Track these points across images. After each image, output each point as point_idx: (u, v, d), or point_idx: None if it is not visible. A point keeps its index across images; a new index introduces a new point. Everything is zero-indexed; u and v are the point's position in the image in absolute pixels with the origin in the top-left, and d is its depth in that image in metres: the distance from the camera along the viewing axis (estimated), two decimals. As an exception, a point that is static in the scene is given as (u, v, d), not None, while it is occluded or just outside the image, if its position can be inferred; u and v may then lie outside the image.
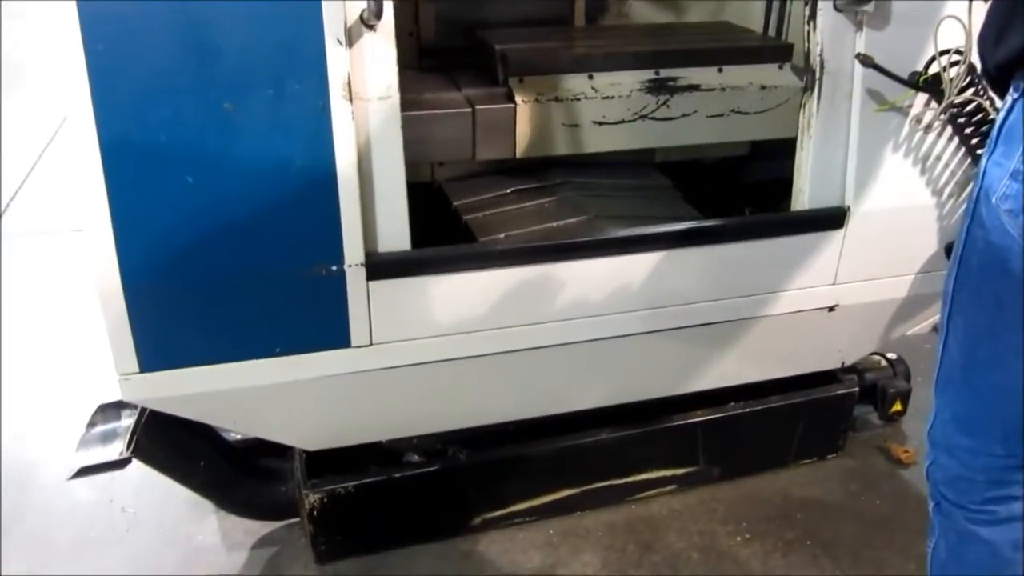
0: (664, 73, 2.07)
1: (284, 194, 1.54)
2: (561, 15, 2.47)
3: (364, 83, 1.53)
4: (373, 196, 1.62)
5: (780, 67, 2.16)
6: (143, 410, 1.77)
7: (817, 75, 1.79)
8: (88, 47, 1.36)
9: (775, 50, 2.21)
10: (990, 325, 1.21)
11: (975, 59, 1.60)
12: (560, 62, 2.05)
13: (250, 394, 1.69)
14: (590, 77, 2.03)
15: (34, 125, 4.41)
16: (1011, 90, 1.11)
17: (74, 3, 1.33)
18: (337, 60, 1.48)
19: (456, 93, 2.08)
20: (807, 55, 1.79)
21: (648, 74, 2.06)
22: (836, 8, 1.74)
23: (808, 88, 1.82)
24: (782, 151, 1.99)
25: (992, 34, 1.12)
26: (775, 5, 2.56)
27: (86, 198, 1.44)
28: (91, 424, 1.80)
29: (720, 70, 2.11)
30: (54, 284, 3.17)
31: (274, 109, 1.47)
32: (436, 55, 2.37)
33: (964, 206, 1.52)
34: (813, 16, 1.76)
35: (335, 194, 1.57)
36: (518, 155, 2.03)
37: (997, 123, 1.12)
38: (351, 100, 1.51)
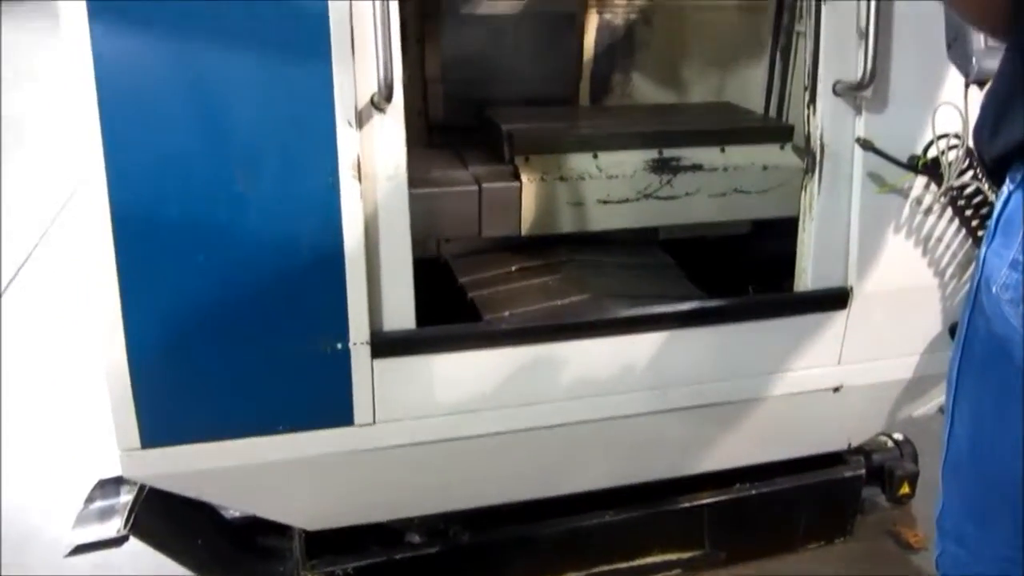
0: (667, 153, 2.10)
1: (291, 271, 1.56)
2: (566, 95, 2.52)
3: (373, 163, 1.56)
4: (379, 274, 1.63)
5: (781, 147, 2.19)
6: (142, 487, 1.75)
7: (818, 157, 1.82)
8: (104, 121, 1.39)
9: (776, 131, 2.24)
10: (996, 413, 1.20)
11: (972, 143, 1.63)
12: (565, 141, 2.09)
13: (251, 472, 1.68)
14: (595, 156, 2.06)
15: (39, 190, 4.46)
16: (1007, 181, 1.13)
17: (93, 78, 1.37)
18: (347, 141, 1.51)
19: (463, 171, 2.11)
20: (808, 138, 1.83)
21: (652, 153, 2.09)
22: (835, 93, 1.78)
23: (809, 170, 1.85)
24: (785, 229, 2.01)
25: (987, 127, 1.14)
26: (775, 86, 2.62)
27: (95, 269, 1.46)
28: (89, 499, 1.78)
29: (723, 150, 2.14)
30: (58, 354, 3.18)
31: (285, 187, 1.49)
32: (445, 133, 2.42)
33: (967, 287, 1.53)
34: (813, 100, 1.80)
35: (342, 272, 1.58)
36: (523, 232, 2.05)
37: (995, 214, 1.14)
38: (360, 179, 1.53)
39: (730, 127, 2.24)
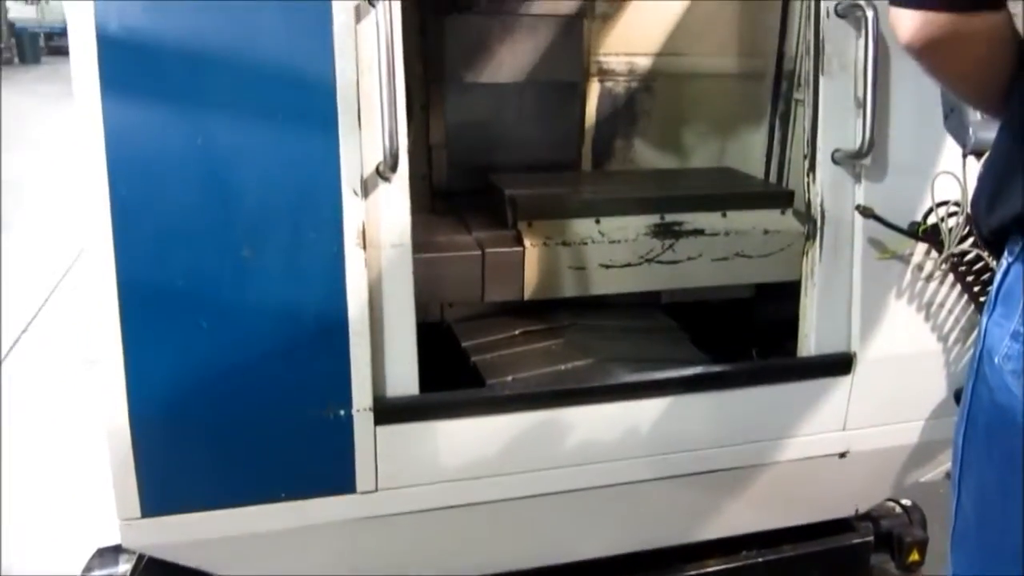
0: (669, 217, 2.12)
1: (294, 338, 1.56)
2: (569, 160, 2.56)
3: (378, 231, 1.58)
4: (383, 341, 1.64)
5: (782, 212, 2.21)
6: (141, 556, 1.73)
7: (818, 224, 1.84)
8: (113, 187, 1.41)
9: (777, 196, 2.27)
10: (1001, 484, 1.19)
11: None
12: (568, 207, 2.11)
13: (252, 541, 1.66)
14: (597, 221, 2.08)
15: (39, 255, 4.47)
16: (1006, 253, 1.13)
17: (103, 146, 1.39)
18: (352, 209, 1.53)
19: (467, 236, 2.13)
20: (808, 204, 1.85)
21: (654, 218, 2.11)
22: (835, 161, 1.80)
23: (810, 236, 1.86)
24: (787, 292, 2.02)
25: (985, 199, 1.15)
26: (775, 152, 2.66)
27: (99, 334, 1.46)
28: (88, 569, 1.76)
29: (724, 215, 2.17)
30: (58, 422, 3.16)
31: (289, 256, 1.51)
32: (449, 198, 2.45)
33: (971, 352, 1.52)
34: (813, 168, 1.82)
35: (346, 339, 1.59)
36: (526, 297, 2.06)
37: (995, 285, 1.14)
38: (364, 247, 1.55)
39: (731, 192, 2.27)
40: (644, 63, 2.55)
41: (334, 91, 1.46)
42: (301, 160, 1.48)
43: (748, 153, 2.67)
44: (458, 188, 2.44)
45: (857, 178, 1.80)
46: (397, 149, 1.49)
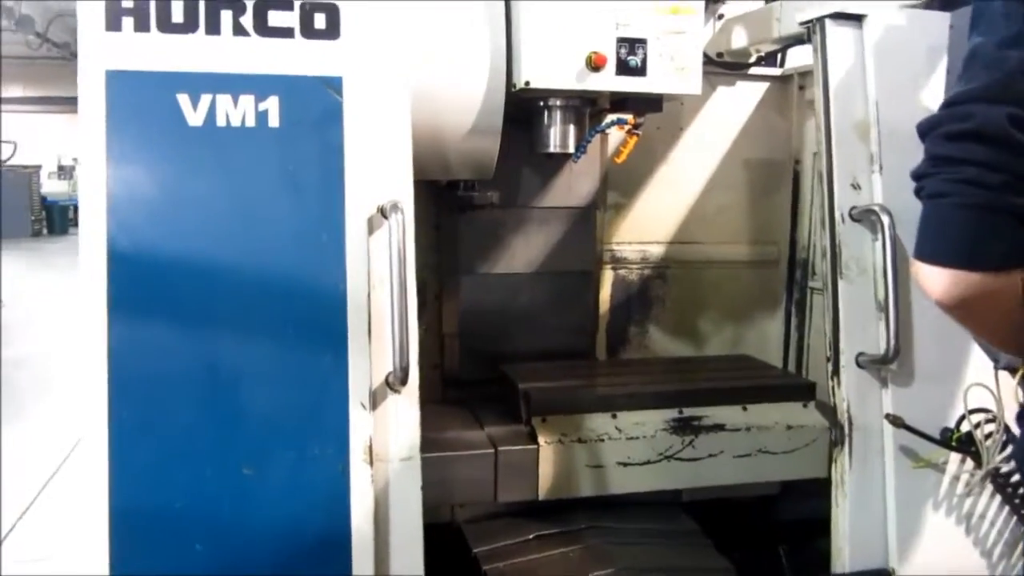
0: (688, 411, 2.06)
1: (295, 557, 1.47)
2: (583, 348, 2.52)
3: (386, 445, 1.52)
4: (388, 552, 1.55)
5: (804, 406, 2.14)
6: None
7: (846, 431, 1.76)
8: (113, 411, 1.36)
9: (798, 388, 2.20)
10: None
11: (1009, 421, 1.57)
12: (583, 401, 2.05)
13: None
14: (614, 416, 2.02)
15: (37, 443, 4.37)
16: None
17: (106, 370, 1.35)
18: (360, 423, 1.47)
19: (478, 431, 2.06)
20: (834, 410, 1.78)
21: (672, 413, 2.04)
22: (859, 365, 1.75)
23: (838, 443, 1.78)
24: (814, 488, 1.93)
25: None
26: (792, 338, 2.62)
27: (87, 558, 1.37)
28: None
29: (745, 408, 2.10)
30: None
31: (292, 474, 1.44)
32: (461, 387, 2.39)
33: (1017, 568, 1.42)
34: (836, 372, 1.77)
35: (348, 554, 1.50)
36: (541, 497, 1.96)
37: None
38: (371, 463, 1.48)
39: (751, 384, 2.21)
40: (657, 251, 2.55)
41: (345, 305, 1.45)
42: (309, 375, 1.44)
43: (765, 340, 2.64)
44: (470, 377, 2.39)
45: (884, 383, 1.74)
46: (408, 363, 1.45)
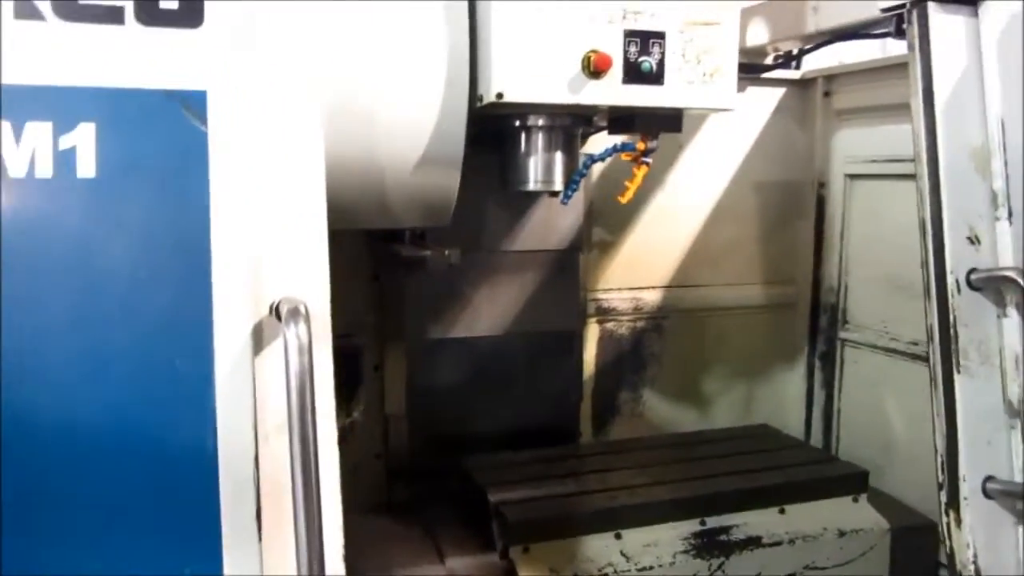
0: (713, 522, 1.65)
1: None
2: (565, 425, 2.02)
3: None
4: None
5: (855, 500, 1.75)
6: None
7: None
8: None
9: (846, 480, 1.79)
10: None
11: None
12: (577, 519, 1.61)
13: None
14: (618, 537, 1.60)
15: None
16: None
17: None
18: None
19: (437, 567, 1.56)
20: (950, 555, 1.26)
21: (692, 525, 1.64)
22: (987, 495, 1.24)
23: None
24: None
25: None
26: (818, 399, 2.15)
27: None
28: None
29: (782, 511, 1.70)
30: None
31: None
32: (410, 481, 1.88)
33: None
34: (955, 504, 1.25)
35: None
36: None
37: None
38: None
39: (787, 481, 1.79)
40: (652, 298, 2.09)
41: (214, 476, 0.88)
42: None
43: (783, 402, 2.23)
44: (422, 468, 1.89)
45: (1021, 517, 1.24)
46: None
